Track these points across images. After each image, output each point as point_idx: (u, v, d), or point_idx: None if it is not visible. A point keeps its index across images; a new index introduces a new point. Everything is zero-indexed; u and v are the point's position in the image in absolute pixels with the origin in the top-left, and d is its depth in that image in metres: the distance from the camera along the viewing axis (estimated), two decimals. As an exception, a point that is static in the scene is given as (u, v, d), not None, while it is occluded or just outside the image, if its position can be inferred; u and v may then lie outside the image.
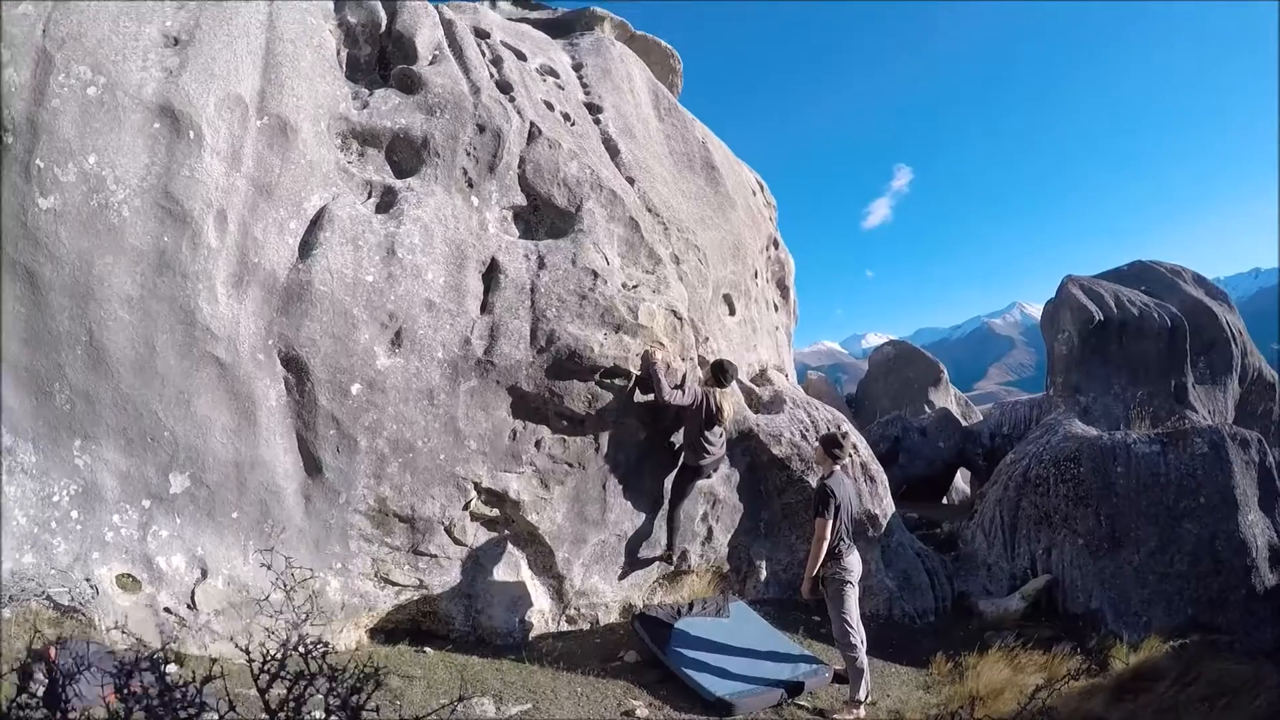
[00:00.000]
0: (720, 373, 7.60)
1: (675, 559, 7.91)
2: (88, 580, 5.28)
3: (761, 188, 11.79)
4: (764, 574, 8.73)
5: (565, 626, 7.47)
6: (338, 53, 7.04)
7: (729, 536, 8.49)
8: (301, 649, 3.28)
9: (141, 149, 5.52)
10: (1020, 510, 10.34)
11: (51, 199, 5.27)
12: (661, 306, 7.38)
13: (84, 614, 5.21)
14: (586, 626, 7.56)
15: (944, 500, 21.12)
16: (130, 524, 5.57)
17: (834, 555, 6.41)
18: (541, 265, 6.98)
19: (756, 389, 9.43)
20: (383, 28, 7.25)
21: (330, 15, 7.08)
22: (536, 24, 9.91)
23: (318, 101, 6.41)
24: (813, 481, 8.24)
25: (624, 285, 7.30)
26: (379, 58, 7.29)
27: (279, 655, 3.29)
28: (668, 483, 7.84)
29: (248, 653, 3.29)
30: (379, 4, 7.27)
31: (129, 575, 5.51)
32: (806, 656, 7.05)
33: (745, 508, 8.62)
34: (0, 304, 5.15)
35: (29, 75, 5.25)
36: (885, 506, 9.31)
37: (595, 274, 7.05)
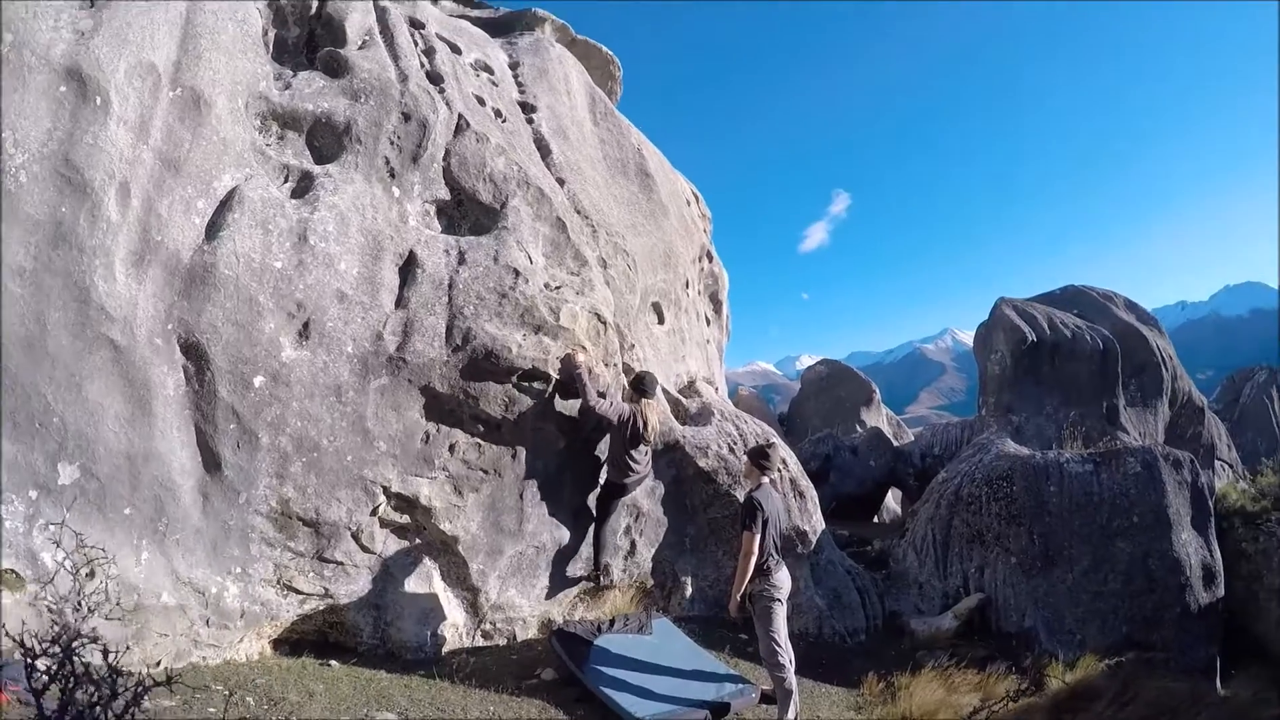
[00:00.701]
0: (640, 386, 7.60)
1: (602, 578, 7.89)
2: None
3: (697, 199, 11.97)
4: (689, 590, 8.73)
5: (481, 642, 7.36)
6: (265, 32, 6.93)
7: (653, 551, 8.49)
8: (64, 641, 2.94)
9: (45, 113, 5.33)
10: (952, 529, 10.53)
11: None
12: (585, 309, 7.42)
13: None
14: (503, 642, 7.46)
15: (875, 519, 21.40)
16: (16, 516, 5.29)
17: (762, 572, 6.41)
18: (462, 261, 6.96)
19: (684, 400, 9.47)
20: (313, 10, 7.21)
21: None
22: (477, 22, 9.95)
23: (236, 78, 6.28)
24: (740, 495, 8.32)
25: (546, 285, 7.32)
26: (308, 40, 7.23)
27: (58, 652, 2.97)
28: (591, 498, 7.84)
29: (22, 645, 2.99)
30: None
31: (13, 571, 5.25)
32: (733, 676, 7.06)
33: (670, 522, 8.62)
34: None
35: (-69, 35, 4.97)
36: (815, 523, 9.39)
37: (517, 272, 7.06)
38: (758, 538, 6.32)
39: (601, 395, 7.26)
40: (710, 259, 12.31)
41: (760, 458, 6.75)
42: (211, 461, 5.96)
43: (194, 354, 5.85)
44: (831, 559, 9.84)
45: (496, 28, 10.25)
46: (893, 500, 23.54)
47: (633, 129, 10.48)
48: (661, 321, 10.03)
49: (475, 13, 10.45)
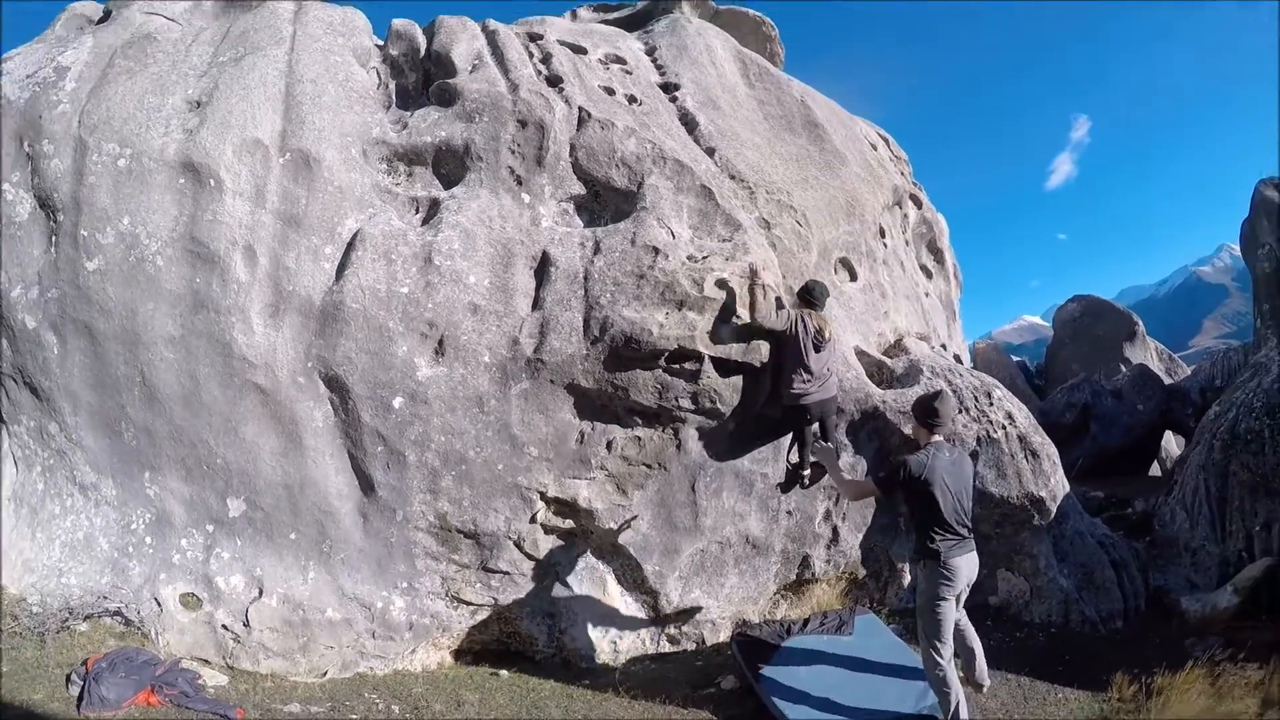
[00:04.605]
0: (807, 297, 6.11)
1: (805, 477, 6.27)
2: (155, 598, 5.36)
3: (886, 141, 10.14)
4: (909, 579, 6.72)
5: (666, 647, 6.32)
6: (385, 85, 6.82)
7: (860, 537, 6.78)
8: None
9: (170, 204, 5.61)
10: (1230, 476, 7.35)
11: (96, 261, 5.49)
12: (736, 274, 6.07)
13: (142, 628, 5.27)
14: (691, 647, 6.35)
15: (1153, 471, 16.72)
16: (196, 547, 5.55)
17: (932, 553, 4.55)
18: (597, 250, 6.09)
19: (888, 361, 7.56)
20: (422, 52, 6.91)
21: (374, 54, 6.94)
22: (617, 23, 9.21)
23: (344, 131, 6.13)
24: None
25: (690, 258, 6.12)
26: (425, 81, 6.90)
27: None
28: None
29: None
30: (417, 31, 7.02)
31: (192, 594, 5.48)
32: (945, 680, 5.06)
33: (879, 502, 6.82)
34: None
35: (70, 162, 5.58)
36: (1054, 487, 6.95)
37: (656, 250, 5.99)
38: (875, 492, 5.02)
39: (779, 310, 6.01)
40: (918, 204, 10.12)
41: (927, 415, 4.80)
42: (366, 484, 5.73)
43: (335, 386, 5.68)
44: (1078, 529, 7.24)
45: (635, 23, 9.37)
46: (1176, 447, 18.30)
47: (793, 82, 8.94)
48: (854, 278, 8.20)
49: (613, 15, 9.70)
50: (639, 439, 6.03)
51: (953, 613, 4.56)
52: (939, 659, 4.52)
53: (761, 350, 6.02)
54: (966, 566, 4.57)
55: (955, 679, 4.56)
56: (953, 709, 4.50)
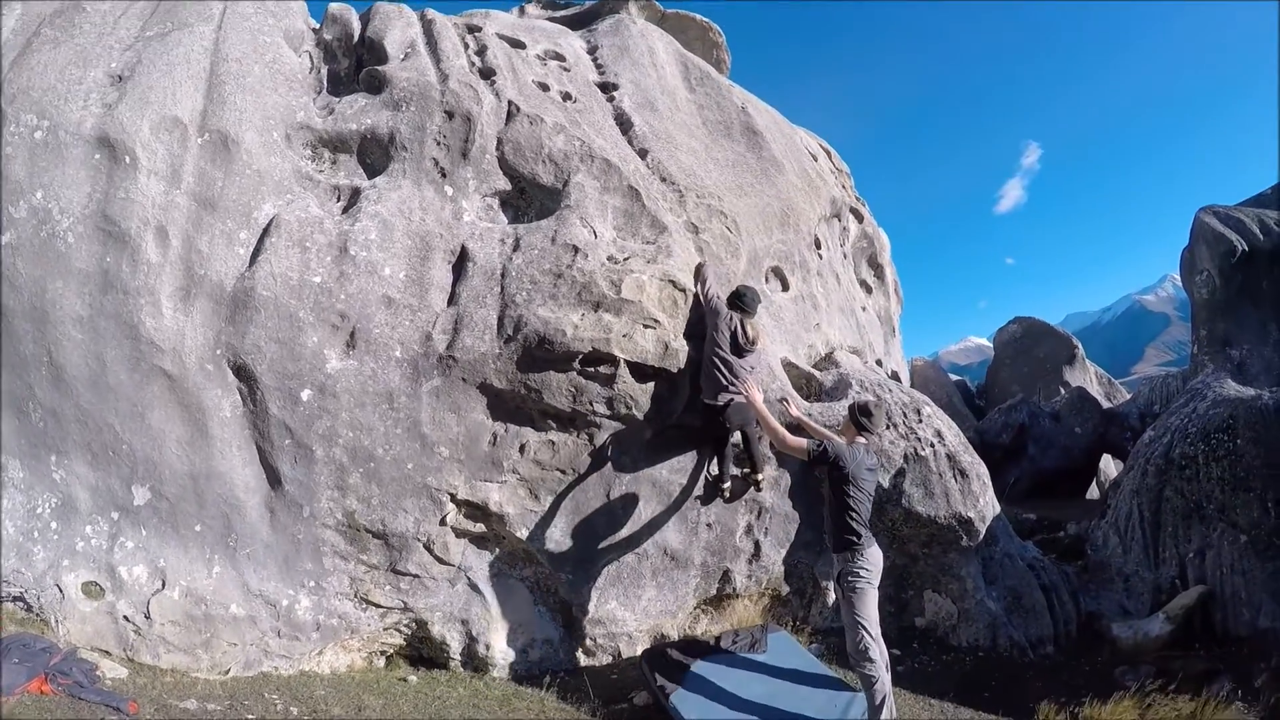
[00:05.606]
0: (738, 300, 6.19)
1: (728, 491, 6.28)
2: (57, 585, 5.27)
3: (827, 153, 10.45)
4: (834, 597, 6.68)
5: (582, 659, 6.35)
6: (317, 70, 6.88)
7: (783, 553, 6.88)
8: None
9: (84, 179, 5.61)
10: (1164, 501, 7.47)
11: (8, 235, 5.45)
12: (655, 277, 6.25)
13: (43, 615, 5.19)
14: (607, 660, 6.39)
15: (1091, 494, 16.84)
16: (100, 535, 5.48)
17: (850, 546, 4.93)
18: (516, 248, 6.26)
19: (817, 374, 7.65)
20: (356, 37, 7.05)
21: (307, 37, 6.96)
22: (565, 20, 9.44)
23: (266, 113, 6.21)
24: (884, 480, 6.67)
25: (611, 259, 6.31)
26: (357, 67, 7.03)
27: None
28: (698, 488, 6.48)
29: None
30: (353, 15, 7.17)
31: (94, 583, 5.40)
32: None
33: (803, 517, 6.93)
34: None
35: (-13, 131, 5.89)
36: (983, 507, 7.07)
37: (575, 249, 6.18)
38: (801, 454, 5.08)
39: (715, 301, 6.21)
40: (860, 218, 10.40)
41: (861, 414, 5.20)
42: (273, 477, 5.76)
43: (244, 375, 5.71)
44: (1008, 552, 7.34)
45: (583, 22, 9.60)
46: (1115, 469, 18.53)
47: (734, 89, 9.24)
48: (786, 288, 8.45)
49: (560, 13, 9.99)
50: (553, 443, 6.15)
51: (874, 594, 4.87)
52: (867, 637, 4.77)
53: (680, 356, 6.17)
54: (877, 556, 4.98)
55: (881, 658, 4.76)
56: (875, 683, 4.69)
